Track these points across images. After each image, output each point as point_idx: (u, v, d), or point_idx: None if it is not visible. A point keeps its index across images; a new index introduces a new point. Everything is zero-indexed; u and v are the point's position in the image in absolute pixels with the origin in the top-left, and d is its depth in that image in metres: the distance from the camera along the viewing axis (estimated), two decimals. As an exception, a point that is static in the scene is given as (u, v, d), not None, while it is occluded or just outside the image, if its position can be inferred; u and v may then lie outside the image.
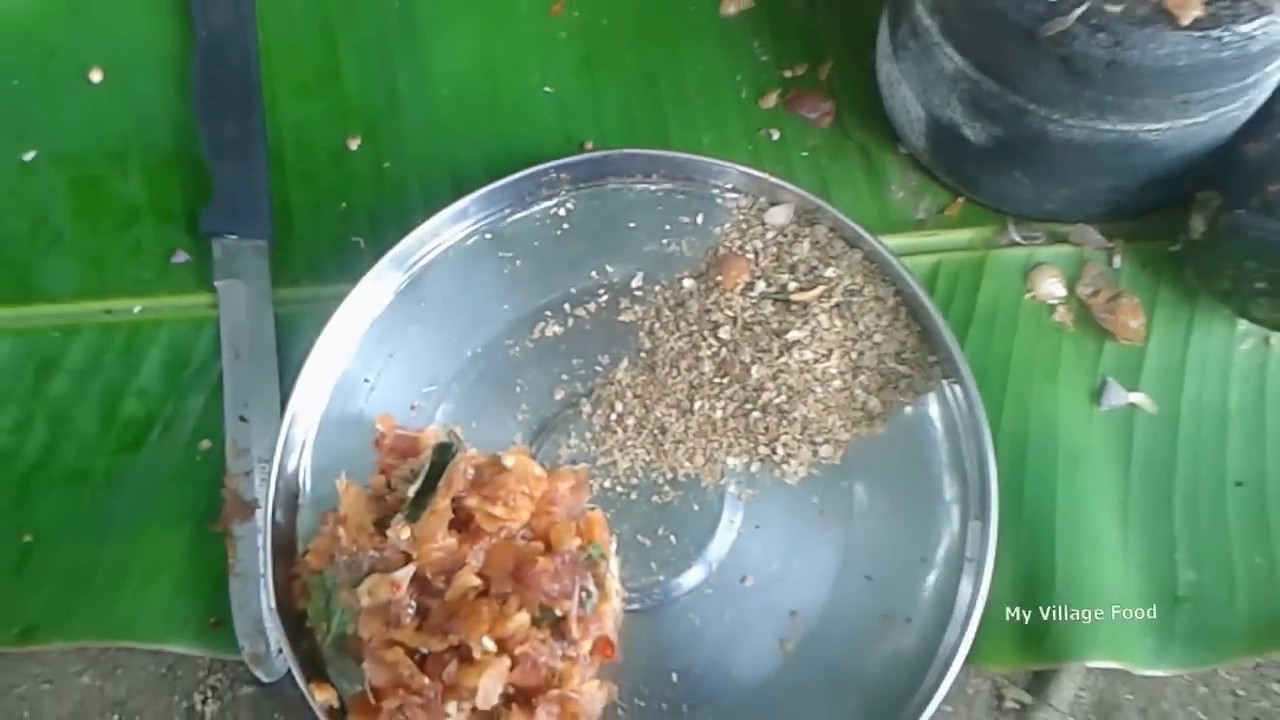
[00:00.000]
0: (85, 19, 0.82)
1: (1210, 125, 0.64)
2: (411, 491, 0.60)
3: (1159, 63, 0.57)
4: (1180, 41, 0.56)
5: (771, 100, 0.79)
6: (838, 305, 0.69)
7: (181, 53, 0.81)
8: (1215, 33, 0.56)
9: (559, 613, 0.57)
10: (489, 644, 0.56)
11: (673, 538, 0.66)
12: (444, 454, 0.61)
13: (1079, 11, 0.57)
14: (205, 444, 0.71)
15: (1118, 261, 0.73)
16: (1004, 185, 0.72)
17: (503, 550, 0.58)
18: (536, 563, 0.57)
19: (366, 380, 0.70)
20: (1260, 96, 0.65)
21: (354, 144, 0.79)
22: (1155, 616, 0.65)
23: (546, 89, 0.81)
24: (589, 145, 0.78)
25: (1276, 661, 0.67)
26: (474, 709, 0.57)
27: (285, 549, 0.65)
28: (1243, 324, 0.71)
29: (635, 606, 0.65)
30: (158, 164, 0.79)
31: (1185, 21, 0.56)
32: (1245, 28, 0.56)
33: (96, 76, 0.81)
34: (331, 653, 0.62)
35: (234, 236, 0.74)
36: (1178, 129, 0.63)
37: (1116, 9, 0.57)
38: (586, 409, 0.69)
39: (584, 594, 0.58)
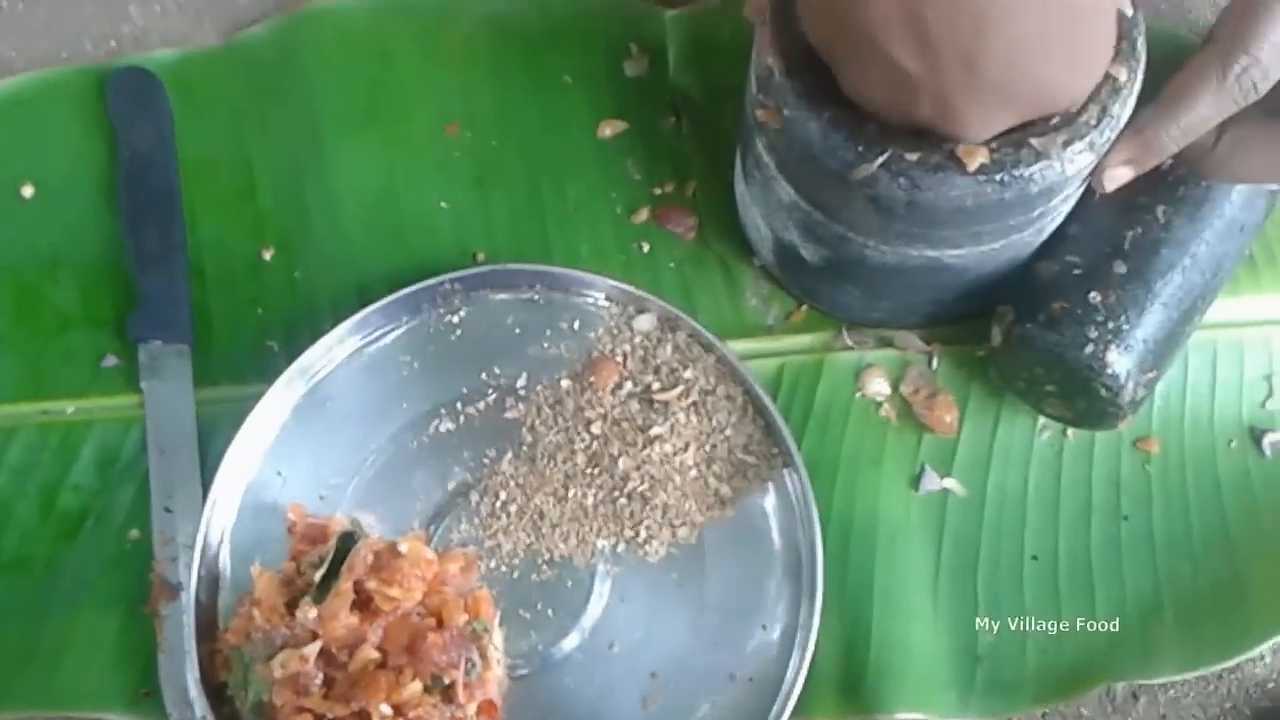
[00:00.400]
0: (16, 139, 0.88)
1: (1005, 250, 0.73)
2: (318, 576, 0.69)
3: (951, 203, 0.65)
4: (968, 185, 0.64)
5: (643, 215, 0.88)
6: (694, 403, 0.76)
7: (108, 170, 0.87)
8: (998, 176, 0.63)
9: (447, 681, 0.66)
10: (386, 710, 0.66)
11: (550, 610, 0.74)
12: (347, 541, 0.70)
13: (881, 160, 0.64)
14: (134, 533, 0.77)
15: (935, 363, 0.81)
16: (837, 296, 0.82)
17: (398, 627, 0.68)
18: (428, 637, 0.67)
19: (279, 473, 0.76)
20: (1051, 224, 0.74)
21: (268, 254, 0.86)
22: (957, 673, 0.74)
23: (443, 204, 0.88)
24: (480, 256, 0.86)
25: (1061, 711, 0.78)
26: None
27: (208, 627, 0.72)
28: (1041, 418, 0.82)
29: (518, 672, 0.72)
30: (88, 273, 0.85)
31: (971, 168, 0.63)
32: (1024, 171, 0.64)
33: (28, 192, 0.87)
34: (250, 718, 0.70)
35: (158, 341, 0.82)
36: (975, 254, 0.72)
37: (913, 157, 0.64)
38: (475, 498, 0.76)
39: (469, 664, 0.68)
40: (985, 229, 0.69)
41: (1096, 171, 0.68)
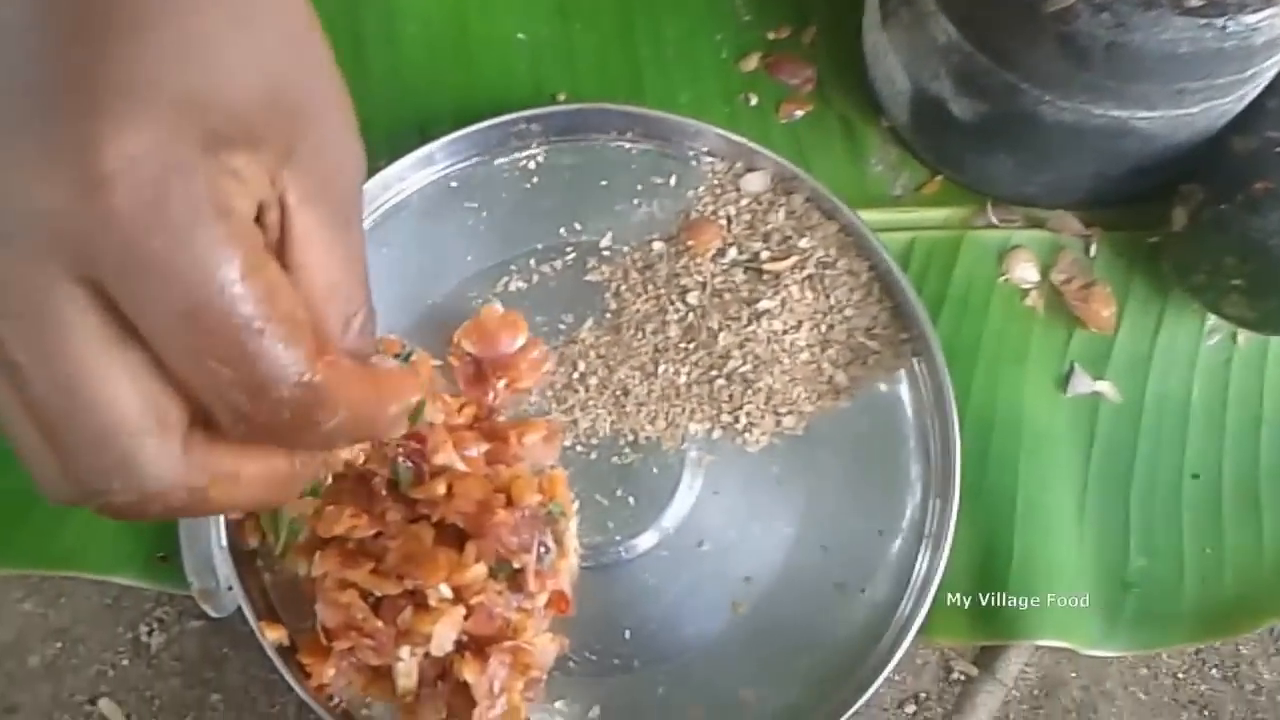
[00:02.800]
0: None
1: (1202, 117, 0.71)
2: None
3: (1160, 48, 0.63)
4: (1184, 27, 0.61)
5: (752, 62, 0.86)
6: (810, 277, 0.75)
7: None
8: (1220, 21, 0.61)
9: (517, 565, 0.64)
10: (445, 591, 0.63)
11: (631, 499, 0.73)
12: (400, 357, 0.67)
13: (1085, -14, 0.61)
14: None
15: (1094, 250, 0.80)
16: (986, 165, 0.80)
17: (469, 484, 0.65)
18: (497, 513, 0.64)
19: None
20: (1253, 91, 0.72)
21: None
22: (1104, 600, 0.73)
23: (520, 35, 0.86)
24: (561, 97, 0.84)
25: (1217, 648, 0.77)
26: (426, 655, 0.64)
27: None
28: (1211, 319, 0.79)
29: (591, 564, 0.71)
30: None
31: (1192, 4, 0.61)
32: (1251, 18, 0.61)
33: None
34: (280, 567, 0.69)
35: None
36: (1169, 118, 0.70)
37: (1125, -14, 0.61)
38: (549, 366, 0.75)
39: (542, 549, 0.65)
40: (1190, 86, 0.67)
41: None
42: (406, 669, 0.64)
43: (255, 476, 0.35)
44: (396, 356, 0.67)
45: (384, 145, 0.80)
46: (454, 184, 0.78)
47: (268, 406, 0.32)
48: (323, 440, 0.35)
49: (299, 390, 0.32)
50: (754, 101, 0.85)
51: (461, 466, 0.67)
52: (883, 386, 0.75)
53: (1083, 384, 0.78)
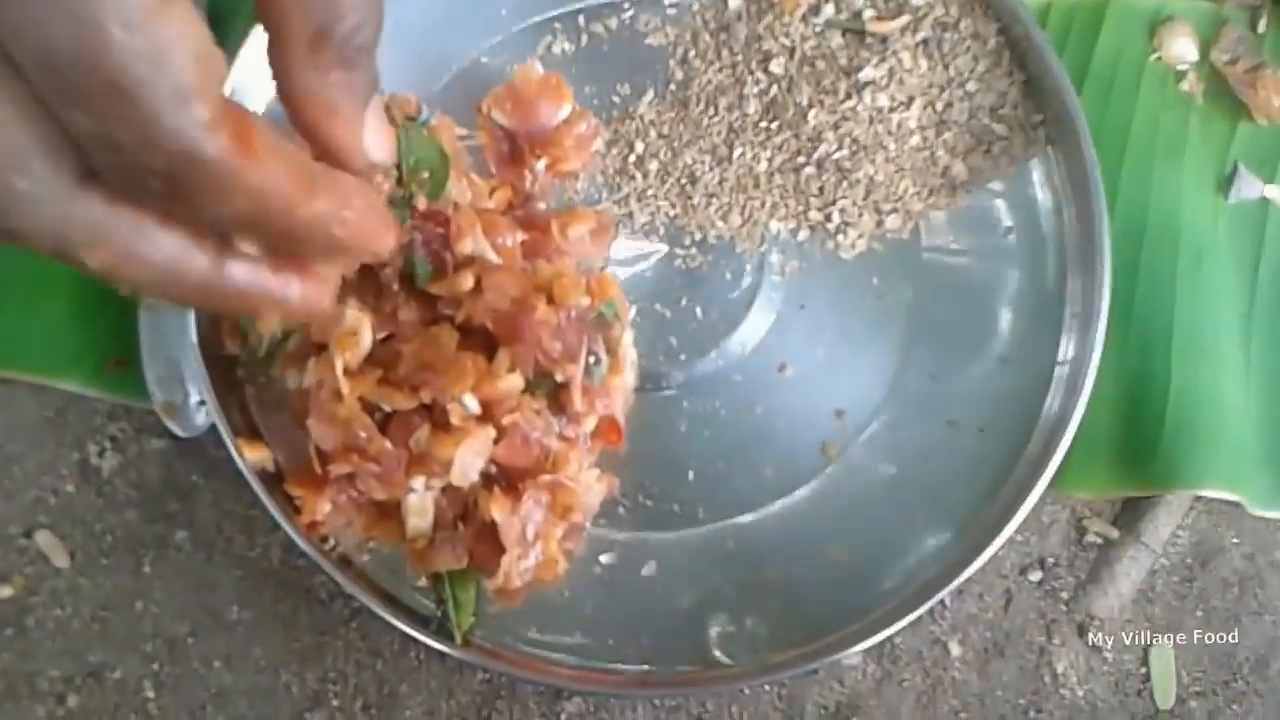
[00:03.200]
0: None
1: None
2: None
3: None
4: None
5: None
6: (924, 41, 0.67)
7: None
8: None
9: (559, 379, 0.55)
10: (472, 406, 0.53)
11: (698, 310, 0.66)
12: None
13: None
14: None
15: (1263, 25, 0.72)
16: None
17: (502, 278, 0.55)
18: (536, 309, 0.54)
19: None
20: None
21: None
22: (1275, 448, 0.65)
23: None
24: None
25: None
26: (445, 488, 0.55)
27: None
28: None
29: (648, 387, 0.64)
30: None
31: None
32: None
33: None
34: (264, 374, 0.60)
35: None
36: None
37: None
38: (599, 146, 0.67)
39: (592, 359, 0.56)
40: None
41: None
42: (419, 504, 0.55)
43: (159, 255, 0.32)
44: (410, 120, 0.59)
45: None
46: (486, -78, 0.69)
47: (133, 165, 0.29)
48: (219, 228, 0.32)
49: (174, 158, 0.28)
50: None
51: (493, 258, 0.57)
52: (1006, 183, 0.67)
53: (1249, 188, 0.69)
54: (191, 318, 0.60)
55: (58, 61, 0.27)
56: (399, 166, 0.56)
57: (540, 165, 0.64)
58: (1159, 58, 0.71)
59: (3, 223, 0.30)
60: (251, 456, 0.58)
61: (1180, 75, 0.71)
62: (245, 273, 0.34)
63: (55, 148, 0.29)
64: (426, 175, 0.56)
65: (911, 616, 0.58)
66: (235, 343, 0.61)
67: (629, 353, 0.59)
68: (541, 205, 0.65)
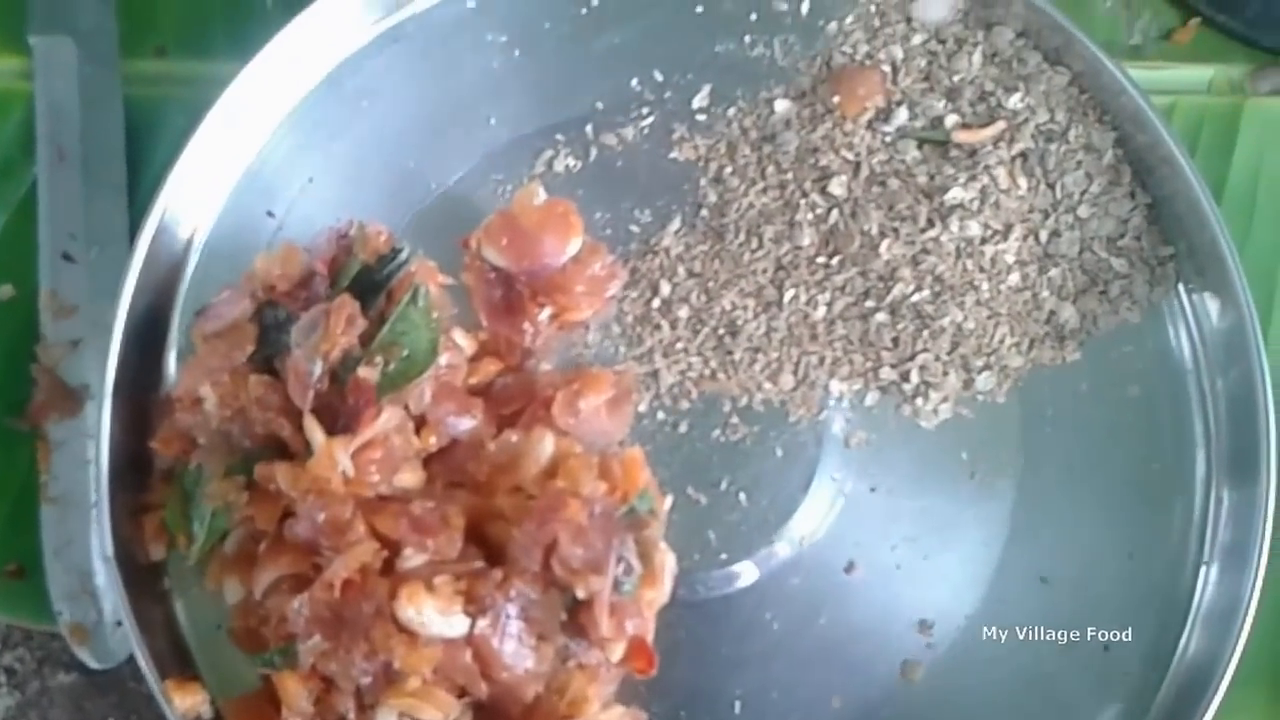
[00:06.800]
0: None
1: None
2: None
3: None
4: None
5: None
6: (1024, 155, 0.68)
7: None
8: None
9: (580, 595, 0.55)
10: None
11: (742, 496, 0.66)
12: (387, 264, 0.62)
13: None
14: (6, 290, 0.71)
15: None
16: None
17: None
18: (568, 505, 0.55)
19: (270, 215, 0.70)
20: None
21: None
22: None
23: None
24: None
25: None
26: None
27: (131, 463, 0.64)
28: None
29: (682, 595, 0.64)
30: None
31: None
32: None
33: None
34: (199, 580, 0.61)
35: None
36: None
37: None
38: (616, 288, 0.68)
39: (623, 569, 0.56)
40: None
41: None
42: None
43: None
44: (383, 259, 0.62)
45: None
46: (471, 4, 0.72)
47: None
48: None
49: None
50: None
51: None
52: (1133, 329, 0.67)
53: None
54: (105, 513, 0.61)
55: None
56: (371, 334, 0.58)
57: (543, 315, 0.65)
58: (1312, 171, 0.72)
59: None
60: (182, 704, 0.59)
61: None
62: None
63: None
64: (405, 354, 0.57)
65: None
66: (160, 546, 0.62)
67: (667, 559, 0.60)
68: (545, 365, 0.65)
